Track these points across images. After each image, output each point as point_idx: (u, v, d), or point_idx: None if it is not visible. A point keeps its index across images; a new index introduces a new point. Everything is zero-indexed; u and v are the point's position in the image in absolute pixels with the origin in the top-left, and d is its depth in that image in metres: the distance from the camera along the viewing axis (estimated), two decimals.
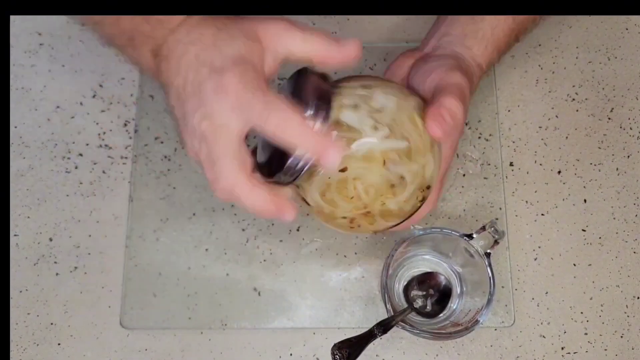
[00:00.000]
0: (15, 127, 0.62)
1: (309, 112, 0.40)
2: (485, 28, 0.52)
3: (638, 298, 0.58)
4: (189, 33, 0.42)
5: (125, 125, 0.62)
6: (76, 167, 0.61)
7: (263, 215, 0.42)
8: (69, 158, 0.61)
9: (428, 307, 0.56)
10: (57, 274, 0.58)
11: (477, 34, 0.51)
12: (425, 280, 0.57)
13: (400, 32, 0.66)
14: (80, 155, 0.62)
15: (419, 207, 0.46)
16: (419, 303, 0.56)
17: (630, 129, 0.63)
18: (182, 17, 0.43)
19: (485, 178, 0.61)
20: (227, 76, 0.39)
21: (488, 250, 0.51)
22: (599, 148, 0.62)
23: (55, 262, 0.59)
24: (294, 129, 0.39)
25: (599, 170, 0.62)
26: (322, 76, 0.43)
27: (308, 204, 0.46)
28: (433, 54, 0.52)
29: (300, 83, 0.42)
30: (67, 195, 0.60)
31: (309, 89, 0.41)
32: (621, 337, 0.57)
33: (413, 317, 0.55)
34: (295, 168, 0.40)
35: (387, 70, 0.55)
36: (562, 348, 0.57)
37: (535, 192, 0.61)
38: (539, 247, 0.59)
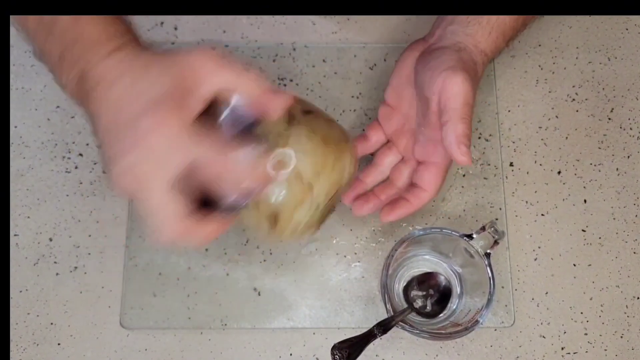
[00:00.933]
0: (15, 127, 0.62)
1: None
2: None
3: (638, 298, 0.58)
4: (120, 61, 0.40)
5: None
6: (76, 167, 0.61)
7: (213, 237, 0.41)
8: (69, 158, 0.61)
9: (428, 307, 0.56)
10: (57, 274, 0.58)
11: (482, 20, 0.51)
12: (425, 280, 0.57)
13: (400, 32, 0.66)
14: (80, 155, 0.62)
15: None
16: (419, 303, 0.56)
17: (630, 129, 0.63)
18: (113, 46, 0.41)
19: (485, 178, 0.61)
20: (163, 110, 0.37)
21: (488, 251, 0.51)
22: (599, 148, 0.62)
23: (55, 262, 0.59)
24: (238, 169, 0.39)
25: (599, 171, 0.61)
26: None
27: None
28: (436, 46, 0.52)
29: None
30: (67, 195, 0.60)
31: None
32: (621, 337, 0.57)
33: (413, 317, 0.55)
34: (235, 205, 0.40)
35: (396, 67, 0.55)
36: (562, 348, 0.57)
37: (535, 192, 0.61)
38: (539, 247, 0.59)
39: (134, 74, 0.39)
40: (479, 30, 0.51)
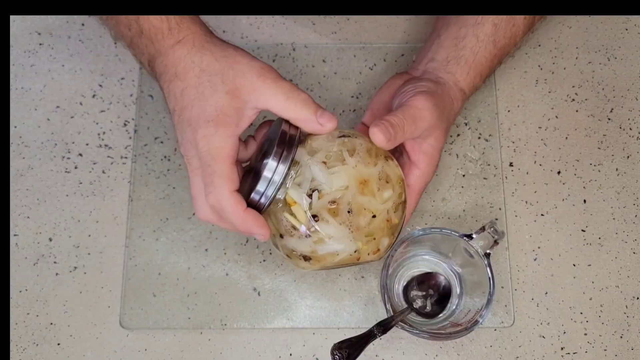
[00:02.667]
0: (15, 127, 0.62)
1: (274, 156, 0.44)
2: (467, 54, 0.53)
3: (638, 298, 0.58)
4: (181, 59, 0.45)
5: (125, 125, 0.62)
6: (76, 167, 0.61)
7: (239, 231, 0.46)
8: (68, 158, 0.61)
9: (428, 307, 0.56)
10: (56, 274, 0.58)
11: (460, 61, 0.53)
12: (424, 280, 0.57)
13: (400, 32, 0.66)
14: (80, 155, 0.62)
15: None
16: (418, 303, 0.56)
17: (630, 129, 0.63)
18: (174, 40, 0.46)
19: (485, 178, 0.61)
20: (215, 125, 0.44)
21: (488, 251, 0.51)
22: (599, 148, 0.62)
23: (55, 262, 0.59)
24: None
25: (599, 171, 0.61)
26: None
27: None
28: (419, 77, 0.53)
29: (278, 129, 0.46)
30: (67, 195, 0.60)
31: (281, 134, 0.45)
32: (621, 337, 0.57)
33: (413, 317, 0.55)
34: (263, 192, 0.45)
35: (377, 92, 0.56)
36: (562, 348, 0.57)
37: (535, 192, 0.61)
38: (539, 248, 0.59)
39: (189, 81, 0.44)
40: (457, 70, 0.53)
